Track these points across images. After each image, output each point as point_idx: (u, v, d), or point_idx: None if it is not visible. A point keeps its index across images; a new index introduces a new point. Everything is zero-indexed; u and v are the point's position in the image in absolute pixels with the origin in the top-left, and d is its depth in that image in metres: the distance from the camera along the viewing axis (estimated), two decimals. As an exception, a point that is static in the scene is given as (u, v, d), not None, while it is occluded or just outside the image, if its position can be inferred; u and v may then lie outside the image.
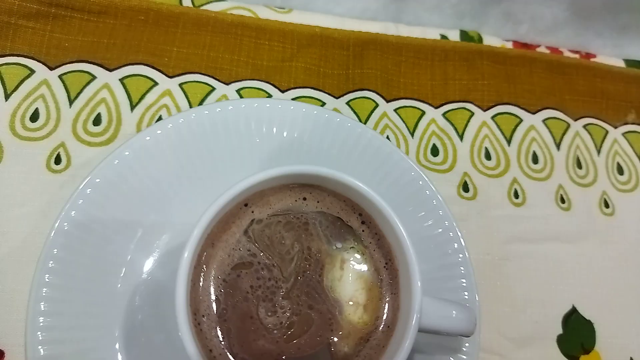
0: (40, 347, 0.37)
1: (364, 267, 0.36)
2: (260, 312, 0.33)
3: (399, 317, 0.34)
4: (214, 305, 0.33)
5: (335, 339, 0.34)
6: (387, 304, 0.36)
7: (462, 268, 0.44)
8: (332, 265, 0.36)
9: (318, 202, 0.37)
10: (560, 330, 0.49)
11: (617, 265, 0.53)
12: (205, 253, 0.34)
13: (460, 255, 0.45)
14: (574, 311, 0.50)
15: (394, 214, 0.34)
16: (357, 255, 0.37)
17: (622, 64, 0.63)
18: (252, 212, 0.36)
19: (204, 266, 0.34)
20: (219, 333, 0.33)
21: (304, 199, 0.37)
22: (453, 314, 0.34)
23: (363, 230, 0.37)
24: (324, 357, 0.32)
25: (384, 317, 0.35)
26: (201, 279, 0.33)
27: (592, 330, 0.50)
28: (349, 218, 0.37)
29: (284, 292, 0.34)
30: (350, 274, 0.36)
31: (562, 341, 0.49)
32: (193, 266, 0.31)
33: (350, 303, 0.35)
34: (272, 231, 0.35)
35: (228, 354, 0.32)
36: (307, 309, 0.34)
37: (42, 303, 0.38)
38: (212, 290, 0.33)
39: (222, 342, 0.32)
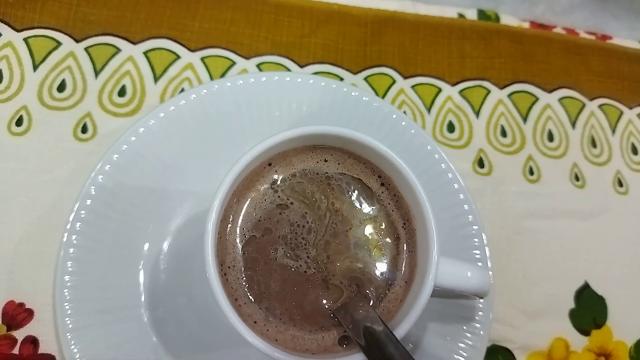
0: (67, 304, 0.39)
1: (382, 227, 0.37)
2: (284, 263, 0.34)
3: (416, 274, 0.35)
4: (239, 257, 0.34)
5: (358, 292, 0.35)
6: (405, 261, 0.37)
7: (475, 240, 0.45)
8: (353, 224, 0.37)
9: (339, 163, 0.38)
10: (572, 305, 0.50)
11: (630, 243, 0.54)
12: (231, 208, 0.35)
13: (475, 227, 0.45)
14: (586, 286, 0.51)
15: (413, 174, 0.34)
16: (376, 215, 0.38)
17: (638, 46, 0.63)
18: (276, 171, 0.37)
19: (230, 220, 0.35)
20: (244, 283, 0.34)
21: (325, 160, 0.38)
22: (468, 273, 0.35)
23: (382, 192, 0.38)
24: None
25: (402, 273, 0.36)
26: (227, 233, 0.35)
27: (604, 306, 0.51)
28: (369, 179, 0.38)
29: (308, 245, 0.35)
30: (370, 233, 0.37)
31: (574, 315, 0.50)
32: (220, 220, 0.32)
33: (371, 259, 0.36)
34: (296, 188, 0.36)
35: (253, 302, 0.33)
36: (331, 263, 0.35)
37: (70, 263, 0.40)
38: (237, 242, 0.35)
39: (248, 292, 0.34)
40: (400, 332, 0.31)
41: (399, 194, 0.37)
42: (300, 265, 0.35)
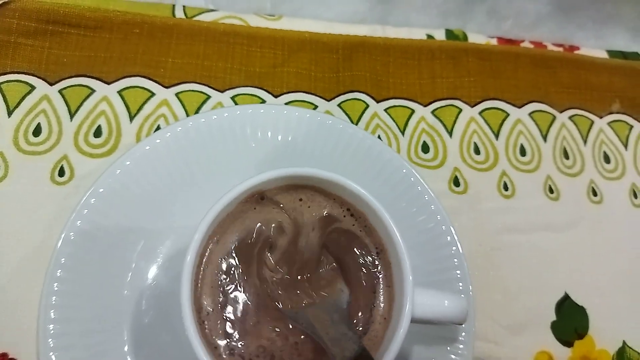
0: (52, 353, 0.39)
1: (357, 262, 0.38)
2: (260, 308, 0.35)
3: (394, 309, 0.36)
4: (216, 303, 0.35)
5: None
6: (382, 297, 0.37)
7: (455, 260, 0.46)
8: (327, 262, 0.37)
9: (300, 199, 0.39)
10: (553, 317, 0.51)
11: (606, 251, 0.54)
12: (206, 254, 0.35)
13: (454, 248, 0.46)
14: (566, 298, 0.52)
15: (382, 207, 0.35)
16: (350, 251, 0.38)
17: (605, 55, 0.65)
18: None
19: (206, 266, 0.35)
20: (223, 330, 0.34)
21: (300, 199, 0.39)
22: (445, 303, 0.35)
23: (353, 224, 0.39)
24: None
25: (380, 309, 0.37)
26: (204, 279, 0.35)
27: (585, 316, 0.52)
28: (334, 212, 0.39)
29: (282, 288, 0.36)
30: (345, 270, 0.38)
31: (556, 327, 0.51)
32: (196, 266, 0.33)
33: (347, 298, 0.37)
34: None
35: (232, 350, 0.34)
36: (307, 305, 0.36)
37: (52, 311, 0.40)
38: (214, 289, 0.35)
39: (227, 339, 0.34)
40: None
41: (371, 225, 0.38)
42: (276, 310, 0.35)
